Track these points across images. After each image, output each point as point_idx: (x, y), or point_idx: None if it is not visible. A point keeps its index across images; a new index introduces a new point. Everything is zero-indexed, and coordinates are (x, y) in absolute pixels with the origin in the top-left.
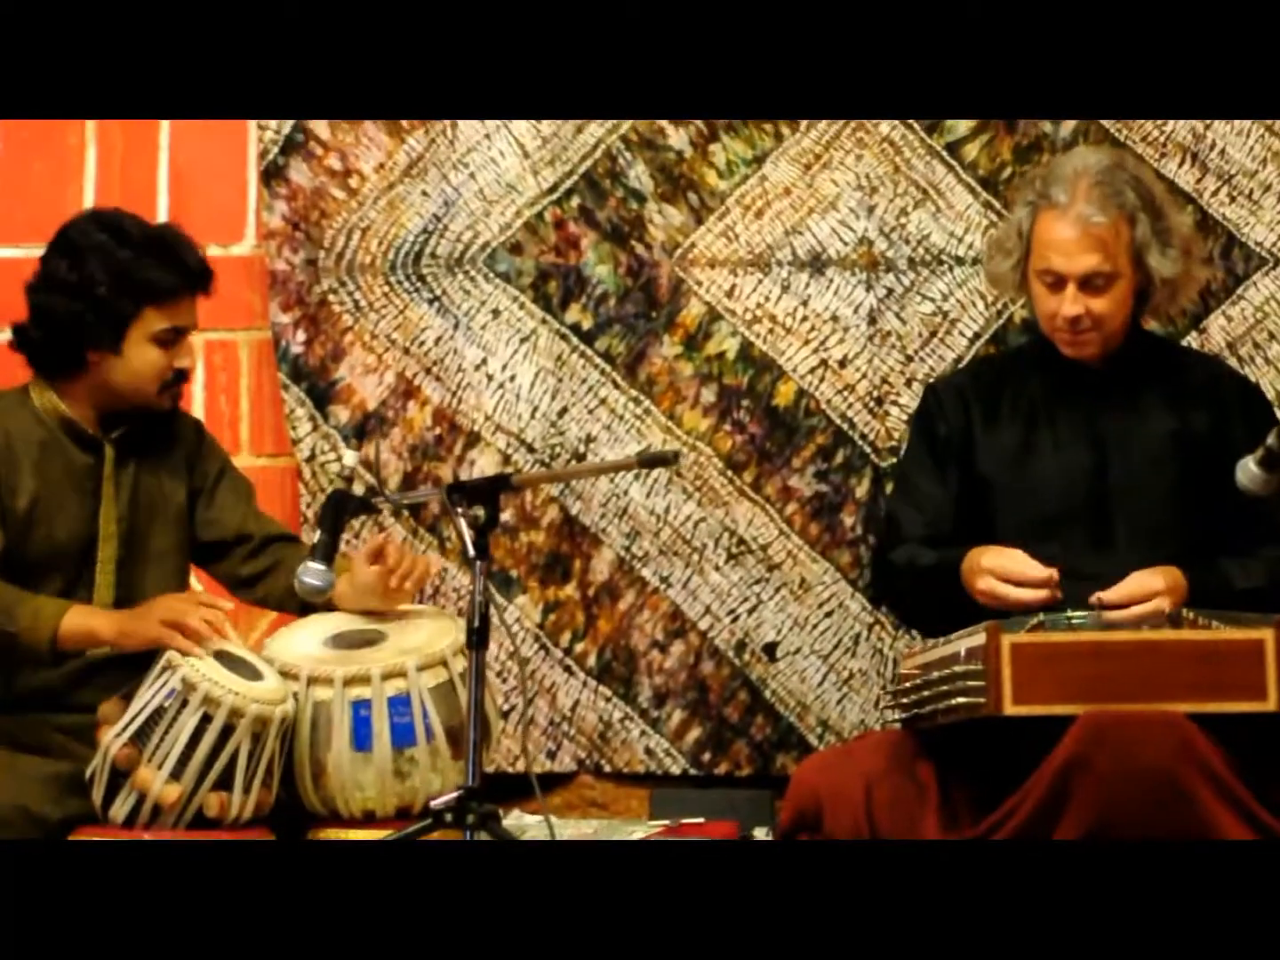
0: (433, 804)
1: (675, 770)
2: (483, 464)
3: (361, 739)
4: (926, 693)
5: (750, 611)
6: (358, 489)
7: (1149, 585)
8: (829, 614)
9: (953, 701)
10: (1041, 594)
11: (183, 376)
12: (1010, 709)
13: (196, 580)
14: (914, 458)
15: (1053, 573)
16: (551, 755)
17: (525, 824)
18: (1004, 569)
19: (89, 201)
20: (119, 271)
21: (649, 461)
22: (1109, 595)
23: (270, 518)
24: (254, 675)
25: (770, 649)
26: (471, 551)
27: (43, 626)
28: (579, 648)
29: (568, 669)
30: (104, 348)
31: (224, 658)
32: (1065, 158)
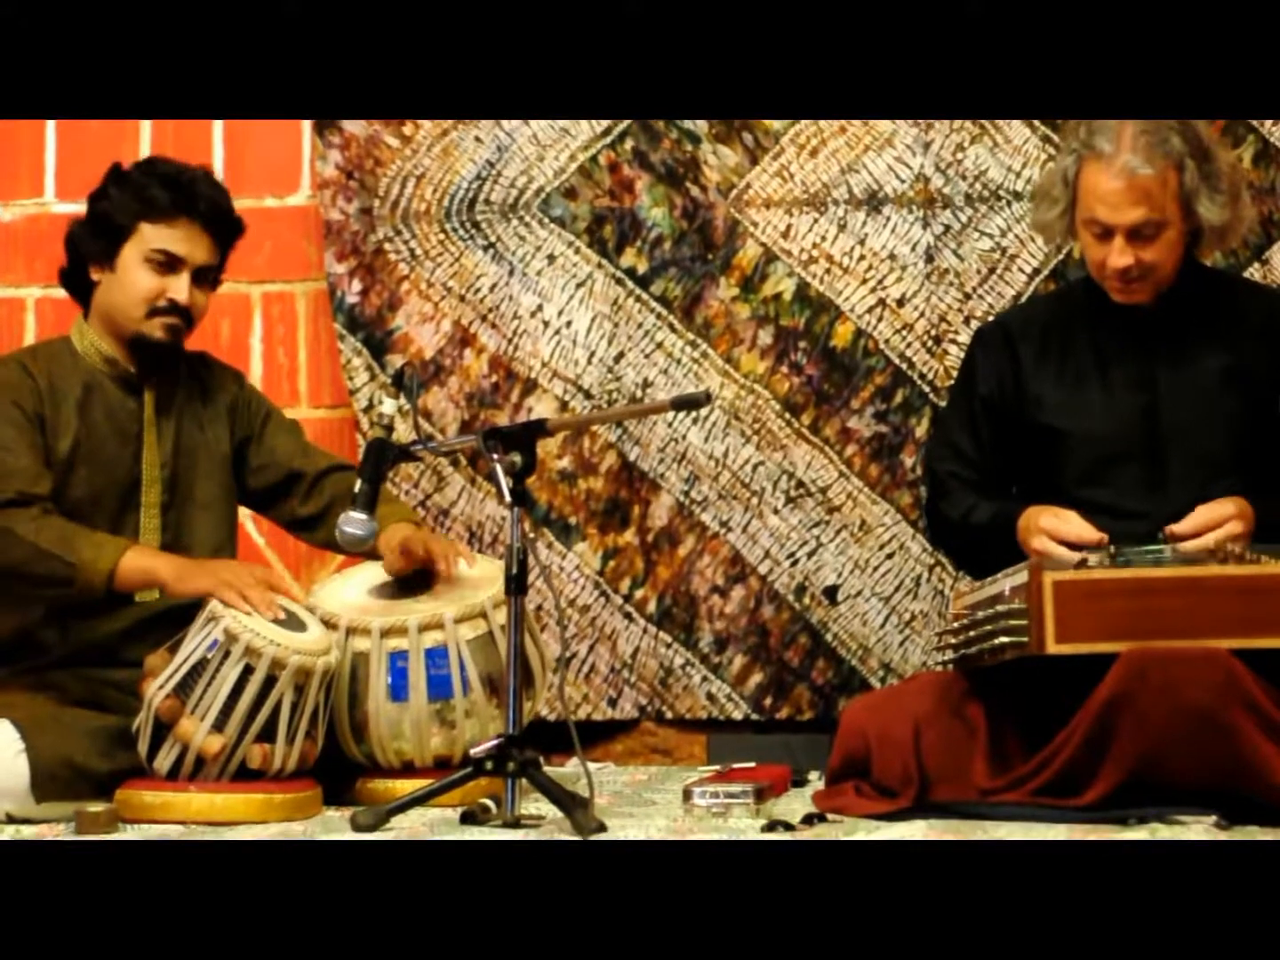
0: (473, 751)
1: (737, 716)
2: (540, 410)
3: (398, 690)
4: (973, 633)
5: (810, 555)
6: (411, 437)
7: (1220, 512)
8: (890, 556)
9: (997, 641)
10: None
11: (177, 309)
12: (1053, 648)
13: (256, 532)
14: (953, 407)
15: (1104, 536)
16: (613, 703)
17: (579, 771)
18: (1058, 531)
19: (145, 155)
20: (124, 189)
21: (681, 404)
22: (1180, 527)
23: (321, 450)
24: (298, 627)
25: (831, 592)
26: (508, 497)
27: (104, 559)
28: (639, 594)
29: (628, 616)
30: (101, 263)
31: None
32: None
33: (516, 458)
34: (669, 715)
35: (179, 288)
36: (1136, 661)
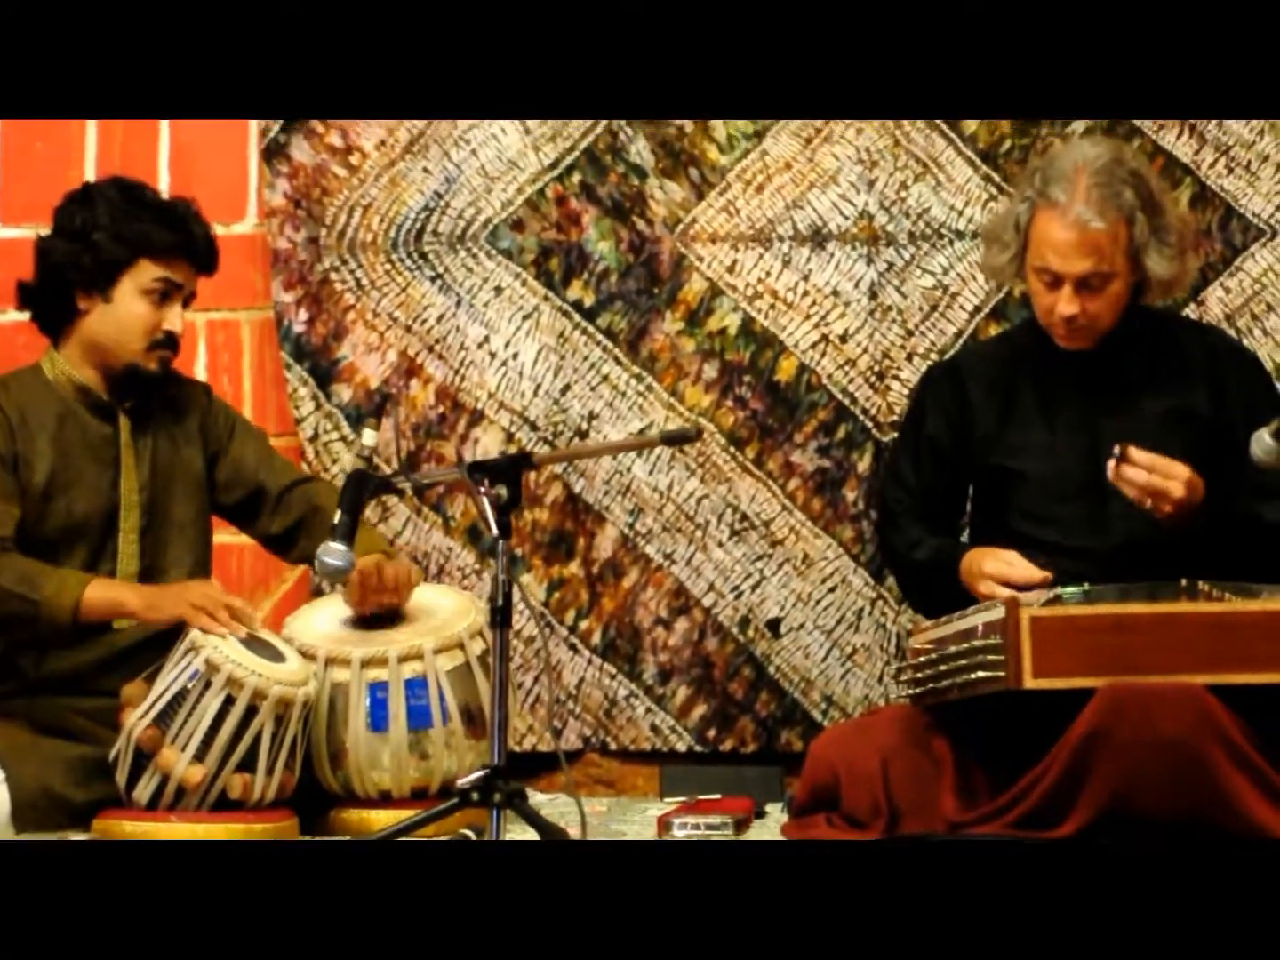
0: (459, 782)
1: (681, 747)
2: (486, 442)
3: (378, 720)
4: (943, 667)
5: (754, 588)
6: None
7: (1174, 469)
8: (832, 589)
9: (971, 676)
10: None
11: (172, 342)
12: (1030, 682)
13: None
14: (902, 444)
15: (1048, 575)
16: (557, 733)
17: (537, 802)
18: (1004, 575)
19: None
20: (120, 221)
21: (672, 439)
22: (1135, 453)
23: (285, 463)
24: (276, 657)
25: (774, 625)
26: (495, 530)
27: (66, 594)
28: (584, 625)
29: (573, 647)
30: (94, 292)
31: (247, 640)
32: (1064, 151)
33: (502, 490)
34: (613, 746)
35: (174, 318)
36: (1114, 697)
